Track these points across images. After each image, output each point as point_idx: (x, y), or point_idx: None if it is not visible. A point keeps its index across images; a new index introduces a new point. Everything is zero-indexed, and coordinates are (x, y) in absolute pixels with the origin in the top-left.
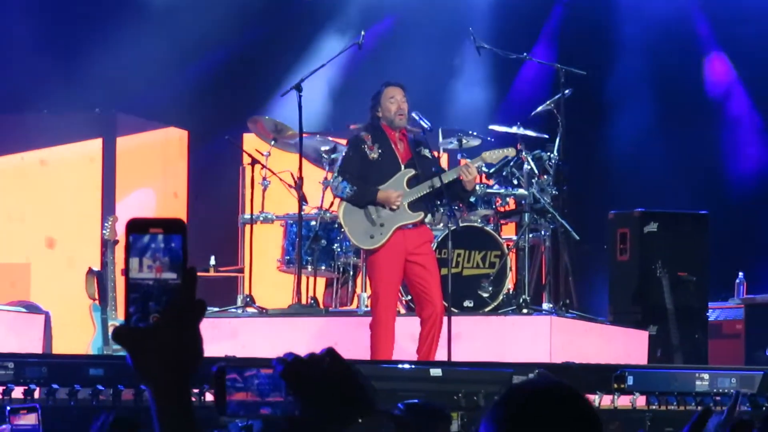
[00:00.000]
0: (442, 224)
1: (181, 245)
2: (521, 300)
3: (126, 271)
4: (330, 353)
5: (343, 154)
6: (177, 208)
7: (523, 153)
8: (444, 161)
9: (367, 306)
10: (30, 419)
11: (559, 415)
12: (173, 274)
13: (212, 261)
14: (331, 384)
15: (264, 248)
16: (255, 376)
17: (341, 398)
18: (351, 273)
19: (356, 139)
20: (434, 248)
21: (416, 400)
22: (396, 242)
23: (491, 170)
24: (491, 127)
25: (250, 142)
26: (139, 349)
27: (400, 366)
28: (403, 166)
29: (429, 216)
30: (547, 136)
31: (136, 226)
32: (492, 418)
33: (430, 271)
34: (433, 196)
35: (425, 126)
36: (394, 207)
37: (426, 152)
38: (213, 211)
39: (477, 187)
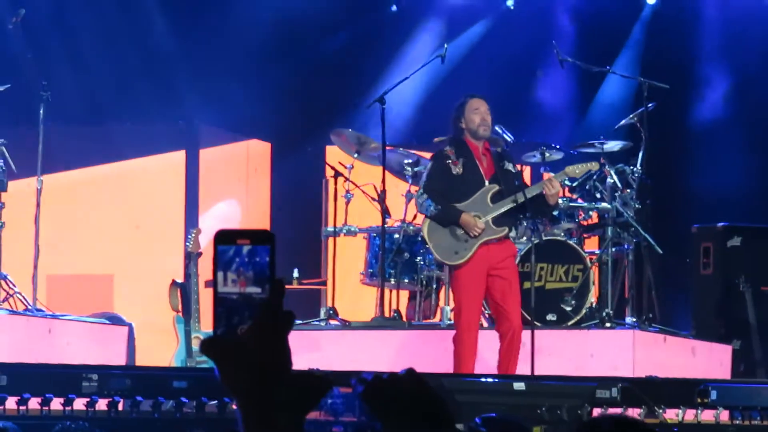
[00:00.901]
0: (525, 238)
1: (269, 257)
2: (604, 314)
3: (214, 285)
4: (410, 373)
5: (428, 169)
6: (260, 221)
7: (606, 167)
8: (526, 175)
9: (450, 319)
10: None
11: None
12: (258, 288)
13: (295, 273)
14: (412, 404)
15: (347, 261)
16: (330, 394)
17: (422, 417)
18: (434, 286)
19: (440, 153)
20: (517, 262)
21: (494, 414)
22: (480, 257)
23: (574, 184)
24: (576, 146)
25: (333, 154)
26: (227, 361)
27: (483, 380)
28: (486, 182)
29: (512, 230)
30: (631, 144)
31: (224, 237)
32: None
33: (511, 286)
34: (517, 211)
35: (508, 139)
36: (474, 234)
37: (509, 166)
38: (296, 223)
39: (560, 201)
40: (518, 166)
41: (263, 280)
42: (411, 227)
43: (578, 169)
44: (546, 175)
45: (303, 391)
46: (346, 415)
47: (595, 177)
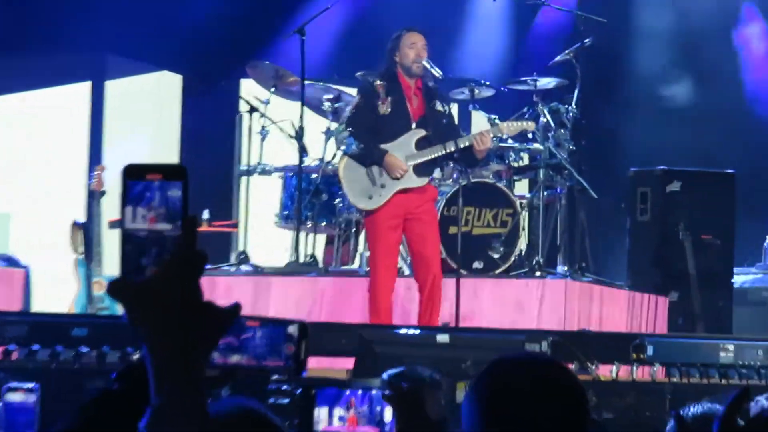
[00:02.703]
0: (451, 180)
1: (182, 193)
2: (534, 262)
3: (121, 221)
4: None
5: (353, 103)
6: (169, 158)
7: (539, 105)
8: (453, 113)
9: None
10: (25, 397)
11: (543, 388)
12: (169, 225)
13: (205, 215)
14: None
15: (261, 202)
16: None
17: None
18: (353, 230)
19: (368, 87)
20: (442, 205)
21: (403, 368)
22: (396, 204)
23: (505, 141)
24: (508, 83)
25: (249, 88)
26: (136, 303)
27: (404, 331)
28: (414, 124)
29: (437, 171)
30: (566, 82)
31: (133, 172)
32: (474, 391)
33: (430, 231)
34: (443, 160)
35: (437, 74)
36: (396, 177)
37: (439, 106)
38: (207, 161)
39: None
40: (448, 107)
41: (175, 216)
42: (330, 166)
43: (513, 126)
44: (480, 127)
45: (211, 326)
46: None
47: (526, 116)
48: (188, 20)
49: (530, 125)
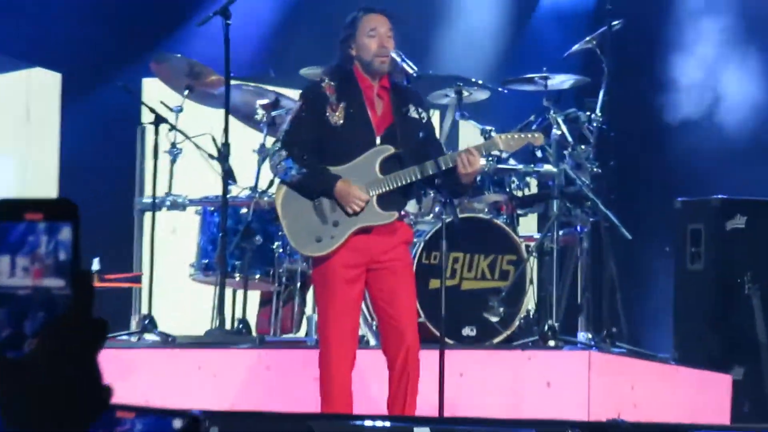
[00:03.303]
0: (432, 215)
1: (72, 239)
2: (546, 327)
3: None
4: None
5: (292, 113)
6: (44, 185)
7: (551, 112)
8: (435, 123)
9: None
10: None
11: None
12: (59, 281)
13: (95, 265)
14: None
15: (171, 247)
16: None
17: None
18: (298, 285)
19: (313, 91)
20: (420, 250)
21: None
22: (355, 248)
23: (505, 162)
24: (508, 82)
25: (154, 91)
26: (8, 389)
27: (369, 423)
28: (378, 139)
29: (412, 203)
30: (587, 80)
31: (7, 210)
32: None
33: (400, 286)
34: (419, 187)
35: (410, 71)
36: (353, 210)
37: (414, 112)
38: (97, 191)
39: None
40: (425, 113)
41: (64, 268)
42: (266, 197)
43: (514, 140)
44: (471, 151)
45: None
46: None
47: (534, 127)
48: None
49: (538, 138)
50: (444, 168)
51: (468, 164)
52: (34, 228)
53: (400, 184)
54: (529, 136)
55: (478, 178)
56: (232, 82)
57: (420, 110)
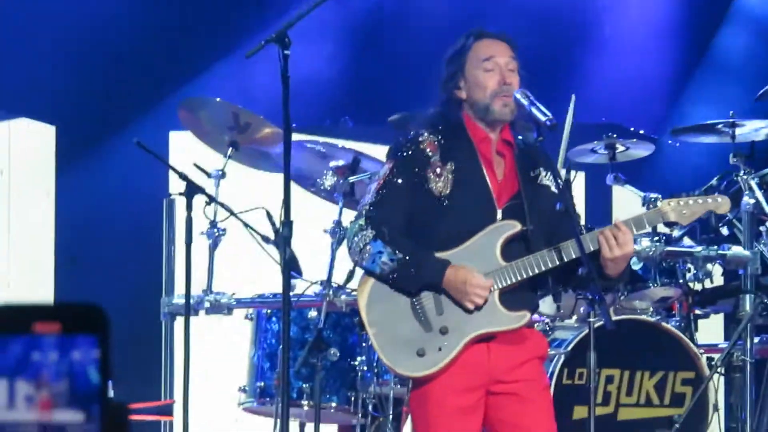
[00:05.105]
0: (575, 318)
1: (99, 355)
2: None
3: None
4: None
5: (379, 179)
6: (36, 276)
7: (742, 173)
8: (578, 194)
9: None
10: None
11: None
12: (77, 414)
13: (109, 391)
14: None
15: (213, 365)
16: None
17: None
18: (390, 416)
19: (408, 147)
20: (559, 366)
21: None
22: (469, 364)
23: (677, 243)
24: (678, 131)
25: (183, 148)
26: None
27: None
28: (499, 212)
29: (547, 301)
30: None
31: (9, 319)
32: None
33: (534, 417)
34: (556, 278)
35: (541, 119)
36: (473, 305)
37: (546, 178)
38: (109, 287)
39: (634, 262)
40: (563, 173)
41: (86, 398)
42: (344, 295)
43: (687, 208)
44: (620, 227)
45: None
46: None
47: (717, 192)
48: (71, 29)
49: (723, 204)
50: (592, 249)
51: (615, 245)
52: (40, 343)
53: (531, 274)
54: (710, 201)
55: (639, 266)
56: (294, 136)
57: (553, 174)
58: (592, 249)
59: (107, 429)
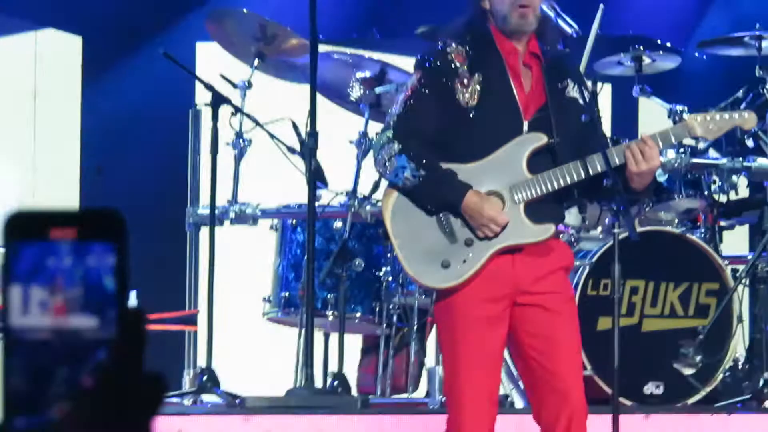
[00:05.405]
0: (600, 229)
1: (116, 262)
2: (762, 383)
3: (3, 314)
4: None
5: (406, 91)
6: (61, 187)
7: (767, 85)
8: (605, 106)
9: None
10: None
11: None
12: (92, 320)
13: (132, 300)
14: None
15: (237, 275)
16: None
17: None
18: (415, 326)
19: (436, 59)
20: (584, 278)
21: None
22: (495, 275)
23: (703, 155)
24: (705, 44)
25: (212, 59)
26: None
27: None
28: (526, 124)
29: (573, 213)
30: None
31: (22, 225)
32: None
33: (560, 328)
34: (583, 190)
35: (568, 31)
36: (485, 234)
37: (573, 89)
38: (134, 197)
39: (660, 173)
40: (589, 84)
41: (102, 303)
42: (369, 206)
43: (714, 123)
44: (646, 140)
45: None
46: None
47: (743, 106)
48: None
49: (749, 120)
50: (618, 163)
51: (641, 159)
52: (56, 249)
53: (556, 187)
54: (737, 116)
55: (664, 178)
56: (321, 47)
57: (581, 86)
58: (618, 162)
59: (123, 334)
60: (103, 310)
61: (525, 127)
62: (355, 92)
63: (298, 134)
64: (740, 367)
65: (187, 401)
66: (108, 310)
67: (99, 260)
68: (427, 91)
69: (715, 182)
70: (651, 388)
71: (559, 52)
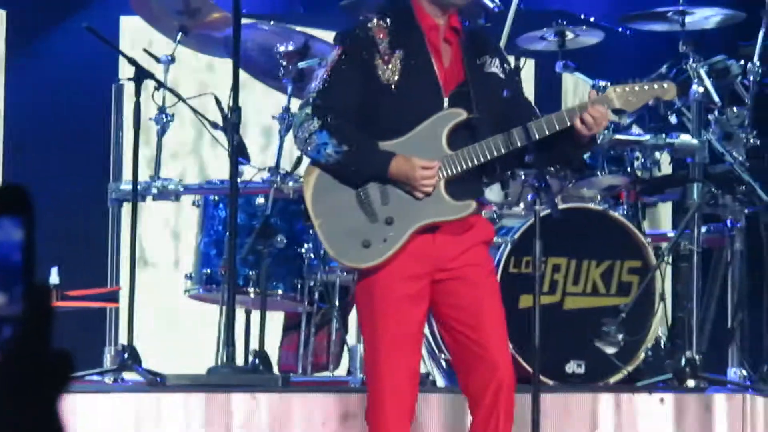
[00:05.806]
0: (522, 206)
1: (21, 239)
2: (684, 361)
3: None
4: None
5: (327, 66)
6: None
7: (691, 60)
8: (527, 79)
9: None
10: None
11: None
12: (1, 297)
13: (53, 277)
14: None
15: (158, 252)
16: None
17: None
18: (336, 304)
19: (357, 34)
20: (505, 255)
21: None
22: (415, 253)
23: (625, 131)
24: (628, 18)
25: (134, 33)
26: None
27: None
28: (446, 100)
29: (494, 189)
30: (743, 15)
31: None
32: None
33: (483, 299)
34: (503, 164)
35: (490, 6)
36: (422, 194)
37: (493, 65)
38: (55, 173)
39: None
40: (512, 61)
41: (8, 279)
42: (291, 183)
43: (633, 94)
44: (592, 93)
45: None
46: None
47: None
48: None
49: (669, 90)
50: (538, 137)
51: (593, 118)
52: None
53: (477, 163)
54: (656, 87)
55: (587, 155)
56: (244, 20)
57: (502, 61)
58: (538, 137)
59: (30, 310)
60: (10, 286)
61: (445, 103)
62: (280, 66)
63: (221, 109)
64: (662, 345)
65: (108, 379)
66: (15, 286)
67: (6, 235)
68: (346, 66)
69: (638, 159)
70: (573, 367)
71: (478, 26)
